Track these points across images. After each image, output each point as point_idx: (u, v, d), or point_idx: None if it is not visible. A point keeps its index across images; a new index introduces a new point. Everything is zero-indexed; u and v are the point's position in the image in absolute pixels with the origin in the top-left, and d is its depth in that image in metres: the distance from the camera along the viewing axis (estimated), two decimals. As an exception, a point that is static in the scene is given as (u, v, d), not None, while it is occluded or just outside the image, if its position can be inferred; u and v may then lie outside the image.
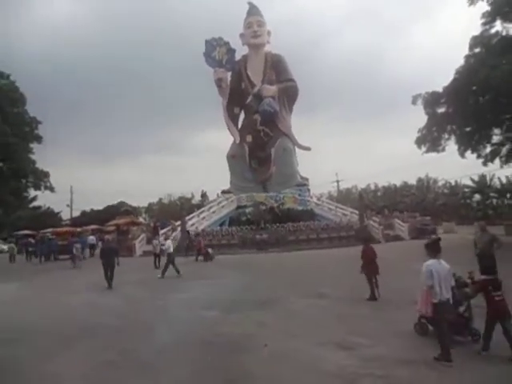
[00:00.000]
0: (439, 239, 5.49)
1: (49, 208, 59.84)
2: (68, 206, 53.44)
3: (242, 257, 20.29)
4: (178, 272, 13.93)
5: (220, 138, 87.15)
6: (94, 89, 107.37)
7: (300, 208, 30.65)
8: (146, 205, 74.43)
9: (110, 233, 33.14)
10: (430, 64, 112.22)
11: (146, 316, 8.40)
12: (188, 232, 24.30)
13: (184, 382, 4.84)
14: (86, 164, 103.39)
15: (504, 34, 16.73)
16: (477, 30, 17.69)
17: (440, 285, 4.90)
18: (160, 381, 4.86)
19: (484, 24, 16.95)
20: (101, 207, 64.41)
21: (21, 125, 23.81)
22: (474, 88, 16.80)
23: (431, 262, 5.06)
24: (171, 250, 14.86)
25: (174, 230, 25.12)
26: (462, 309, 5.70)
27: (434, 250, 5.21)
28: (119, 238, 25.88)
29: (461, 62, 17.88)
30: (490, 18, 16.71)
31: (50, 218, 57.57)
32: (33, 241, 29.35)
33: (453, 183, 57.37)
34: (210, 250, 19.86)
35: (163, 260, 15.83)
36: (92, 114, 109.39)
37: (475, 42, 17.18)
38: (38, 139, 25.42)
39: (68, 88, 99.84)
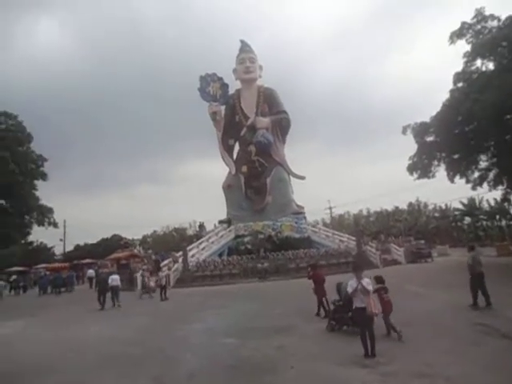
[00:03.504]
0: (360, 265, 7.71)
1: (42, 243, 59.29)
2: (61, 240, 52.97)
3: (246, 286, 20.55)
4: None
5: (213, 168, 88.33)
6: (83, 121, 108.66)
7: (297, 236, 31.20)
8: (139, 237, 74.16)
9: (109, 266, 33.12)
10: (411, 92, 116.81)
11: (168, 345, 8.70)
12: (158, 261, 24.71)
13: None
14: (78, 198, 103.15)
15: (484, 69, 18.28)
16: (454, 63, 19.34)
17: (356, 296, 6.66)
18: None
19: (466, 62, 18.50)
20: (94, 241, 64.07)
21: (27, 163, 24.40)
22: (460, 119, 18.04)
23: (351, 281, 6.87)
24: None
25: (175, 261, 25.30)
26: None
27: (354, 271, 7.07)
28: (120, 272, 25.85)
29: (441, 90, 19.31)
30: (470, 57, 18.25)
31: (43, 252, 57.00)
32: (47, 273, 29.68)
33: (443, 206, 58.67)
34: (152, 284, 19.42)
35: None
36: (82, 146, 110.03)
37: (458, 77, 18.63)
38: (43, 176, 25.90)
39: (56, 121, 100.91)
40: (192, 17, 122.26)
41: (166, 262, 25.75)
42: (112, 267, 31.24)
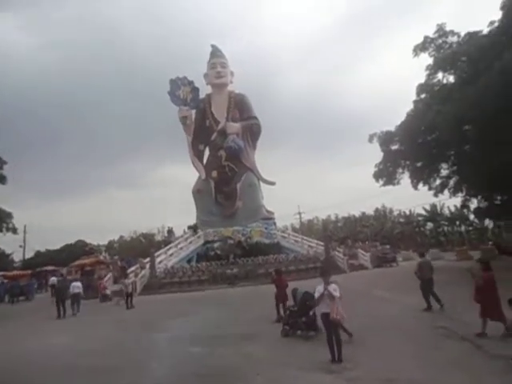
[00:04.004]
0: (327, 270, 7.85)
1: (-1, 249, 56.16)
2: (21, 246, 50.37)
3: (215, 292, 20.35)
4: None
5: (182, 172, 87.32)
6: (47, 123, 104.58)
7: (267, 241, 31.29)
8: (105, 242, 71.90)
9: (72, 273, 31.90)
10: (381, 101, 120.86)
11: (135, 355, 8.43)
12: (124, 267, 24.45)
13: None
14: (40, 202, 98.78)
15: (445, 82, 19.25)
16: (419, 74, 20.28)
17: (323, 301, 6.70)
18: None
19: (428, 75, 19.42)
20: (57, 247, 61.42)
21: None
22: (423, 128, 18.84)
23: (318, 286, 6.93)
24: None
25: (142, 268, 24.69)
26: (311, 312, 8.48)
27: (322, 276, 7.15)
28: (84, 279, 24.93)
29: (407, 100, 20.19)
30: (432, 70, 19.18)
31: (0, 259, 54.02)
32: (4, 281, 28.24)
33: (407, 212, 60.76)
34: (108, 292, 20.88)
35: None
36: (44, 148, 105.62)
37: (421, 89, 19.53)
38: (2, 179, 24.56)
39: (21, 123, 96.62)
40: (169, 19, 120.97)
41: (132, 268, 25.10)
42: (76, 274, 30.11)
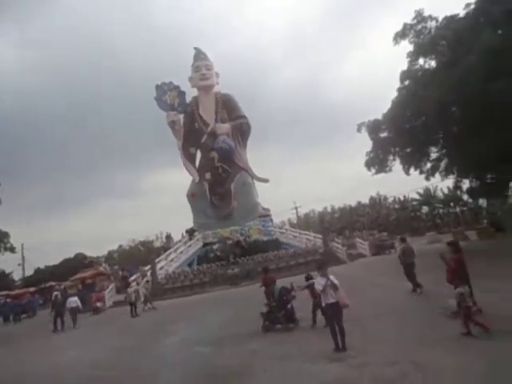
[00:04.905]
0: (324, 262, 8.17)
1: (-2, 270, 55.75)
2: (19, 265, 50.11)
3: (217, 294, 20.46)
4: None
5: (178, 177, 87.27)
6: (38, 136, 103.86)
7: (265, 238, 31.49)
8: (105, 253, 71.73)
9: (72, 288, 31.81)
10: (366, 90, 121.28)
11: (143, 363, 8.53)
12: (126, 277, 24.52)
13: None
14: (36, 219, 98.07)
15: (427, 67, 19.50)
16: (403, 62, 20.50)
17: (327, 293, 6.74)
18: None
19: (410, 61, 19.67)
20: (56, 262, 61.09)
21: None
22: (409, 114, 19.07)
23: (318, 278, 7.04)
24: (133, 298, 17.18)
25: (143, 276, 24.76)
26: (289, 306, 9.17)
27: (320, 269, 7.17)
28: (82, 293, 24.68)
29: (391, 87, 20.47)
30: (413, 56, 19.42)
31: (0, 279, 53.66)
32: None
33: (402, 198, 61.22)
34: (99, 305, 21.70)
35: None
36: (39, 164, 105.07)
37: (404, 75, 19.75)
38: (-3, 201, 24.55)
39: (10, 139, 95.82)
40: (152, 22, 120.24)
41: (134, 277, 25.15)
42: (76, 288, 30.05)
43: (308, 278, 9.37)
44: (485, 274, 9.98)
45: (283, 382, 5.82)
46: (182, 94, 35.46)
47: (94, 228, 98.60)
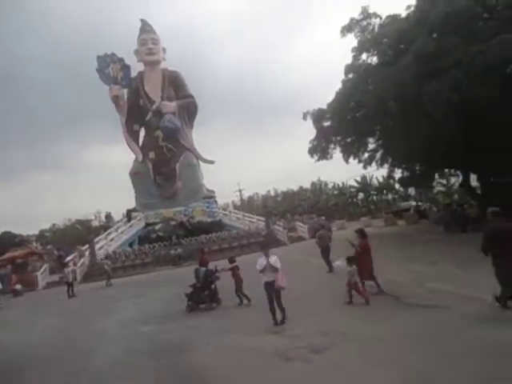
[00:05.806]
0: (267, 243, 9.34)
1: None
2: None
3: (160, 274, 20.50)
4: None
5: (117, 154, 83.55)
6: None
7: (209, 220, 31.75)
8: (36, 232, 67.30)
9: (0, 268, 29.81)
10: (309, 75, 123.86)
11: (86, 341, 8.55)
12: (62, 256, 23.89)
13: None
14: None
15: (369, 62, 20.64)
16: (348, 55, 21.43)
17: (265, 273, 7.30)
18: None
19: (354, 56, 20.66)
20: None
21: None
22: (351, 106, 20.15)
23: (260, 259, 7.49)
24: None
25: (81, 256, 23.91)
26: (213, 286, 9.84)
27: (263, 249, 7.75)
28: (2, 275, 23.27)
29: (340, 76, 21.34)
30: (357, 51, 20.42)
31: None
32: None
33: (340, 185, 64.34)
34: (18, 286, 20.71)
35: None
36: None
37: (349, 69, 20.73)
38: None
39: None
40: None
41: (71, 257, 24.22)
42: (6, 268, 28.18)
43: (231, 260, 10.14)
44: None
45: (226, 353, 6.25)
46: (126, 67, 33.89)
47: (24, 204, 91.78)
